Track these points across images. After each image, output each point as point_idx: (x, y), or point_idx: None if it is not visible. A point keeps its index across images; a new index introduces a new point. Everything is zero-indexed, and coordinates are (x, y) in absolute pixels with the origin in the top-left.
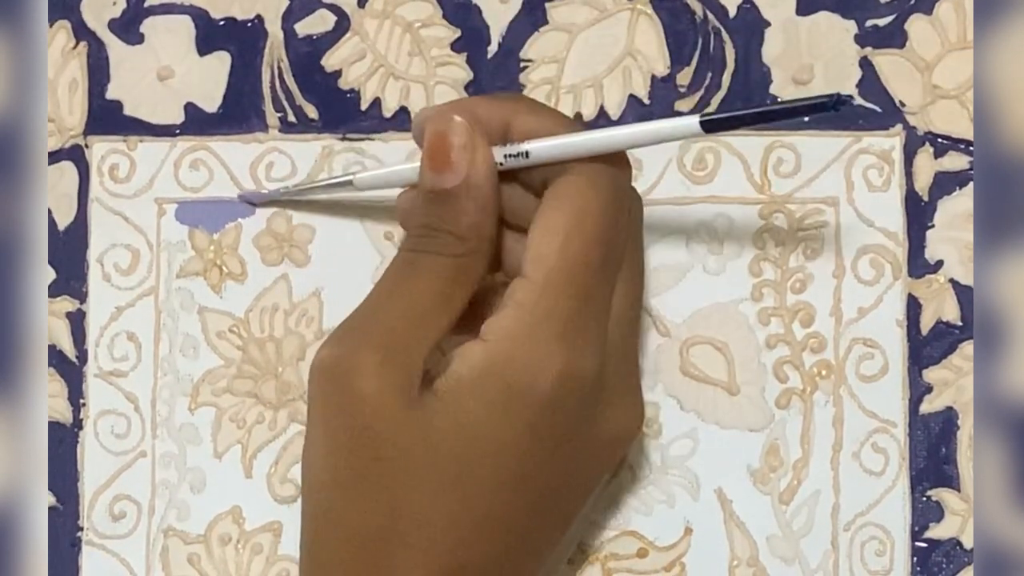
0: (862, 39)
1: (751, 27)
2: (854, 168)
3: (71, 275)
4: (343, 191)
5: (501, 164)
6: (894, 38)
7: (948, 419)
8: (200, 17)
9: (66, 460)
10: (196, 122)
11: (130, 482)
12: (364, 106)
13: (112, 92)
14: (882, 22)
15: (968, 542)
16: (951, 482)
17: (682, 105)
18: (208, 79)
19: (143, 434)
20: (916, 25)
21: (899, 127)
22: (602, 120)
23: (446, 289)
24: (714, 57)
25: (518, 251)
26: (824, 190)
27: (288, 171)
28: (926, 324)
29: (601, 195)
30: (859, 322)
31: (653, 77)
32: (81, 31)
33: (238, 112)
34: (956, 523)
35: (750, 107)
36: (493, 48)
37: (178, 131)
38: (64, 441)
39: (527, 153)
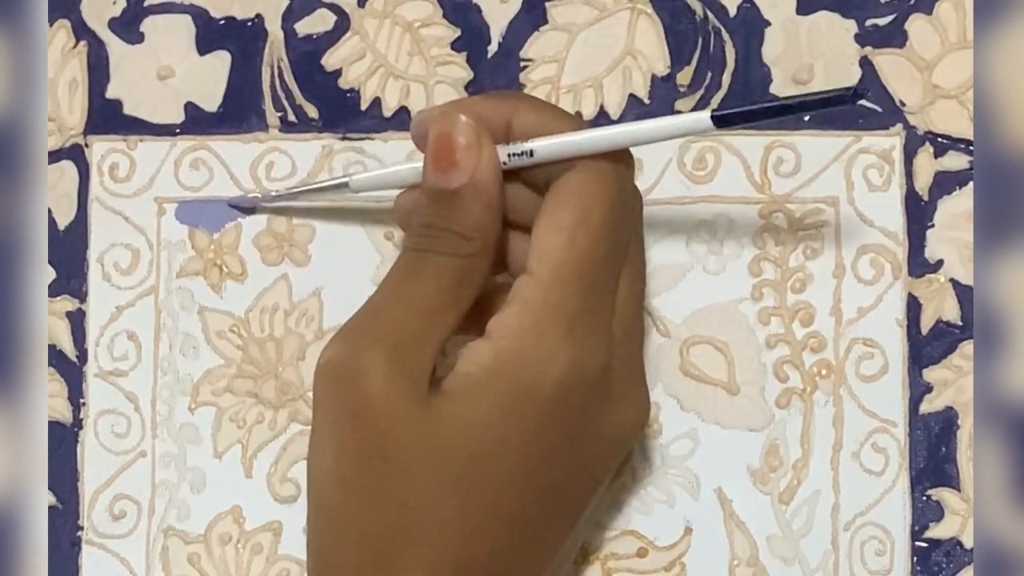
0: (862, 39)
1: (751, 27)
2: (854, 168)
3: (71, 275)
4: (339, 194)
5: (505, 163)
6: (894, 38)
7: (948, 419)
8: (200, 16)
9: (66, 460)
10: (196, 122)
11: (130, 482)
12: (364, 106)
13: (112, 92)
14: (882, 22)
15: (968, 542)
16: (951, 482)
17: (682, 105)
18: (208, 78)
19: (143, 434)
20: (916, 25)
21: (899, 127)
22: (602, 120)
23: (452, 289)
24: (714, 57)
25: (522, 249)
26: (824, 190)
27: (288, 171)
28: (926, 324)
29: (606, 192)
30: (859, 322)
31: (653, 77)
32: (81, 30)
33: (238, 112)
34: (956, 523)
35: (761, 102)
36: (493, 48)
37: (178, 131)
38: (64, 441)
39: (532, 152)
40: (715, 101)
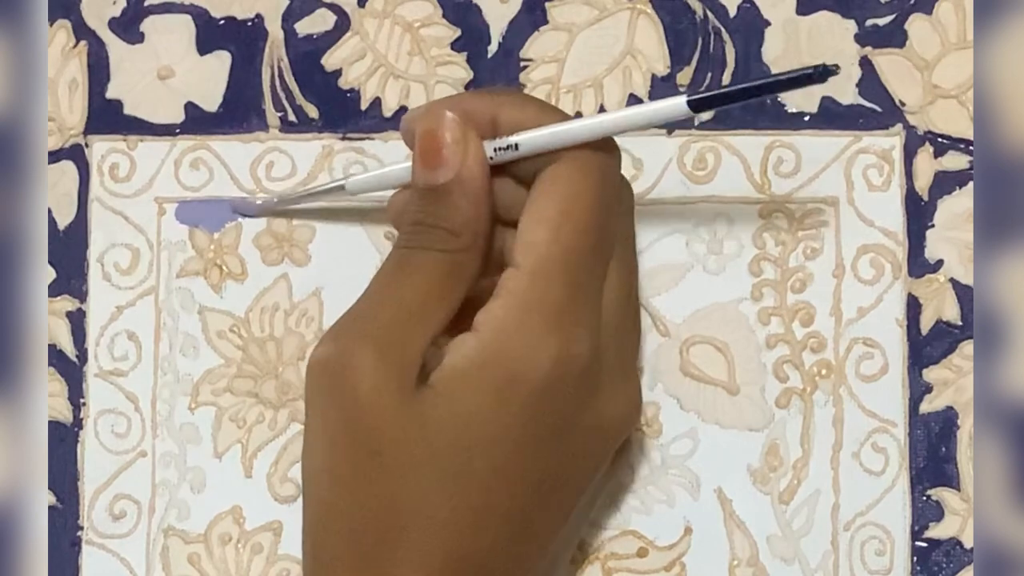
0: (862, 39)
1: (751, 27)
2: (854, 168)
3: (71, 274)
4: (337, 196)
5: (491, 158)
6: (894, 38)
7: (948, 419)
8: (200, 16)
9: (66, 460)
10: (196, 121)
11: (130, 482)
12: (364, 105)
13: (112, 91)
14: (882, 22)
15: (968, 542)
16: (951, 482)
17: None
18: (208, 78)
19: (143, 434)
20: (916, 25)
21: (899, 127)
22: None
23: (441, 284)
24: (714, 56)
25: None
26: (824, 190)
27: (288, 171)
28: (926, 324)
29: (590, 181)
30: (859, 322)
31: (653, 77)
32: (81, 30)
33: (238, 111)
34: (956, 523)
35: (736, 83)
36: (493, 48)
37: (178, 130)
38: (64, 441)
39: (516, 145)
40: None
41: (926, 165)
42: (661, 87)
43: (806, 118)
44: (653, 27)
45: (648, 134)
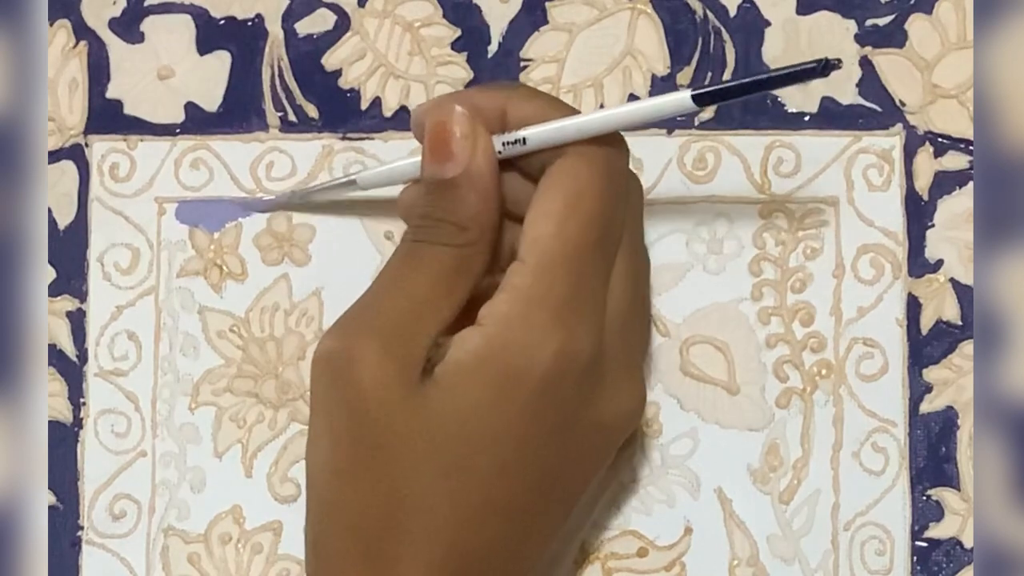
0: (862, 38)
1: (751, 27)
2: (854, 168)
3: (71, 274)
4: (347, 191)
5: (500, 152)
6: (894, 38)
7: (948, 419)
8: (200, 16)
9: (66, 459)
10: (196, 121)
11: (130, 481)
12: (364, 105)
13: (112, 91)
14: (882, 22)
15: (968, 542)
16: (951, 482)
17: None
18: (208, 78)
19: (143, 433)
20: (916, 25)
21: (899, 127)
22: None
23: (447, 279)
24: (714, 57)
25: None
26: (824, 190)
27: (288, 170)
28: (926, 323)
29: (596, 176)
30: (859, 321)
31: (653, 76)
32: (81, 30)
33: (238, 111)
34: (956, 523)
35: (739, 78)
36: (493, 48)
37: (178, 130)
38: (64, 440)
39: (524, 140)
40: None
41: (926, 165)
42: (661, 87)
43: (806, 118)
44: (653, 27)
45: (648, 134)
